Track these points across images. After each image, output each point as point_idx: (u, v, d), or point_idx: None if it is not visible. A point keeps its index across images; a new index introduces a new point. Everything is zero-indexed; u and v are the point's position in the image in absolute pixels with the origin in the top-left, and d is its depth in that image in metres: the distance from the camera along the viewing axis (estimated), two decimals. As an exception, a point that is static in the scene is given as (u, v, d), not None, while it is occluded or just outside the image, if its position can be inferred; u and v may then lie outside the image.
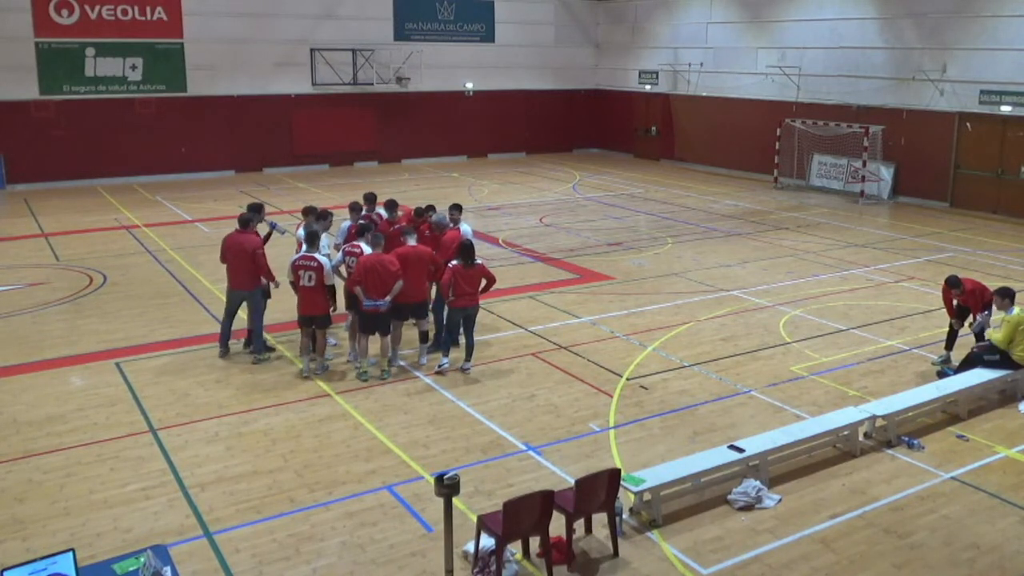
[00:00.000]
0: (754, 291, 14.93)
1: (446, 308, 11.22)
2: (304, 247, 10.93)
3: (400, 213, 13.08)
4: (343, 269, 11.36)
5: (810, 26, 26.54)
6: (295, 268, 10.79)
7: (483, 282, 11.02)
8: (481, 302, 10.83)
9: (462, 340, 11.32)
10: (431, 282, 11.36)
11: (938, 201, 23.51)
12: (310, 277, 10.73)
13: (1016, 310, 10.33)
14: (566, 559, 7.03)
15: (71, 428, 9.47)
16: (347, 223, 12.27)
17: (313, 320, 10.95)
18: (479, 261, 11.07)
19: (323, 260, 10.77)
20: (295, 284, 10.90)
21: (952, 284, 11.11)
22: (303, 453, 8.91)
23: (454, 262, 10.76)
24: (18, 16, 25.10)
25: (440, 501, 6.18)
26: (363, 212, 12.61)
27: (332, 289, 11.05)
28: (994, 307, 10.77)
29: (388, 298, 10.61)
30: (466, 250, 10.76)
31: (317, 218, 12.05)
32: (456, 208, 12.42)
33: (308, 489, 8.19)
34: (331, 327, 11.79)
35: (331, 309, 11.14)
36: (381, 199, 13.28)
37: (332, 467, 8.62)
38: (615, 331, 12.75)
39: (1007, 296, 10.52)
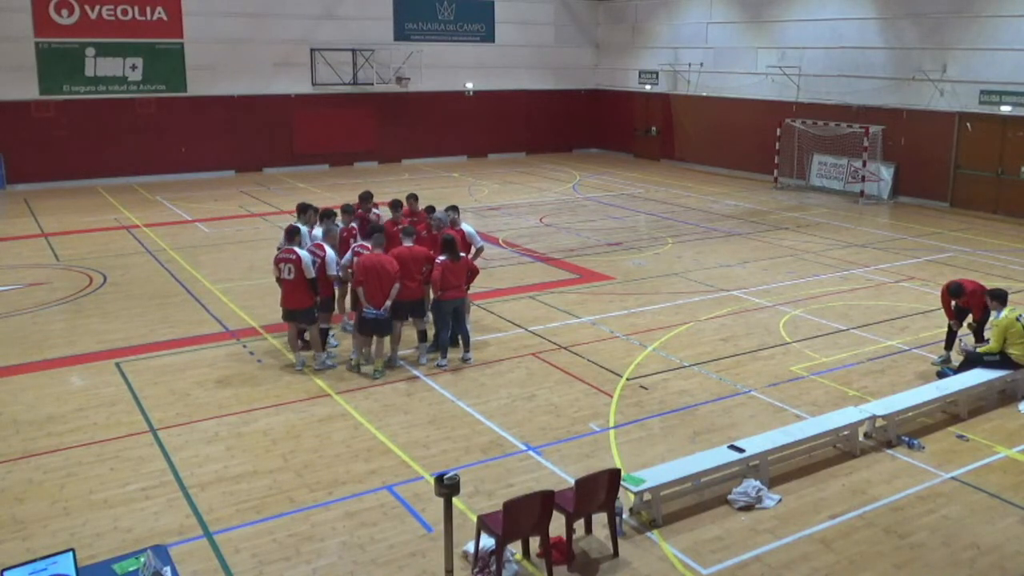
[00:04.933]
0: (754, 291, 14.93)
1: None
2: (282, 240, 11.03)
3: (401, 213, 13.06)
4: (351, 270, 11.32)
5: (810, 26, 26.53)
6: (276, 263, 10.90)
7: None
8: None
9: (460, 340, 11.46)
10: (425, 282, 11.42)
11: (938, 201, 23.49)
12: (289, 270, 10.75)
13: (1004, 312, 10.34)
14: (566, 559, 7.03)
15: (71, 428, 9.47)
16: (338, 225, 12.24)
17: (294, 314, 10.93)
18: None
19: (302, 253, 10.77)
20: (279, 279, 10.97)
21: (954, 293, 11.10)
22: (303, 453, 8.91)
23: (441, 258, 10.99)
24: (18, 16, 25.08)
25: (440, 501, 6.19)
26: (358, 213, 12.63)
27: (314, 283, 10.86)
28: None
29: (388, 303, 10.67)
30: (450, 245, 11.03)
31: (300, 212, 12.20)
32: (454, 209, 12.47)
33: (308, 489, 8.19)
34: (332, 327, 11.82)
35: (315, 304, 10.97)
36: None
37: (332, 467, 8.62)
38: (615, 331, 12.74)
39: (996, 298, 10.54)
